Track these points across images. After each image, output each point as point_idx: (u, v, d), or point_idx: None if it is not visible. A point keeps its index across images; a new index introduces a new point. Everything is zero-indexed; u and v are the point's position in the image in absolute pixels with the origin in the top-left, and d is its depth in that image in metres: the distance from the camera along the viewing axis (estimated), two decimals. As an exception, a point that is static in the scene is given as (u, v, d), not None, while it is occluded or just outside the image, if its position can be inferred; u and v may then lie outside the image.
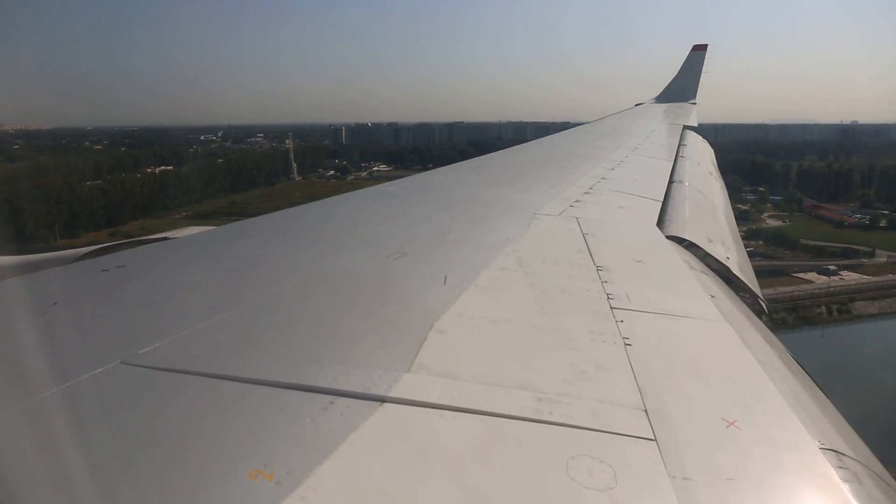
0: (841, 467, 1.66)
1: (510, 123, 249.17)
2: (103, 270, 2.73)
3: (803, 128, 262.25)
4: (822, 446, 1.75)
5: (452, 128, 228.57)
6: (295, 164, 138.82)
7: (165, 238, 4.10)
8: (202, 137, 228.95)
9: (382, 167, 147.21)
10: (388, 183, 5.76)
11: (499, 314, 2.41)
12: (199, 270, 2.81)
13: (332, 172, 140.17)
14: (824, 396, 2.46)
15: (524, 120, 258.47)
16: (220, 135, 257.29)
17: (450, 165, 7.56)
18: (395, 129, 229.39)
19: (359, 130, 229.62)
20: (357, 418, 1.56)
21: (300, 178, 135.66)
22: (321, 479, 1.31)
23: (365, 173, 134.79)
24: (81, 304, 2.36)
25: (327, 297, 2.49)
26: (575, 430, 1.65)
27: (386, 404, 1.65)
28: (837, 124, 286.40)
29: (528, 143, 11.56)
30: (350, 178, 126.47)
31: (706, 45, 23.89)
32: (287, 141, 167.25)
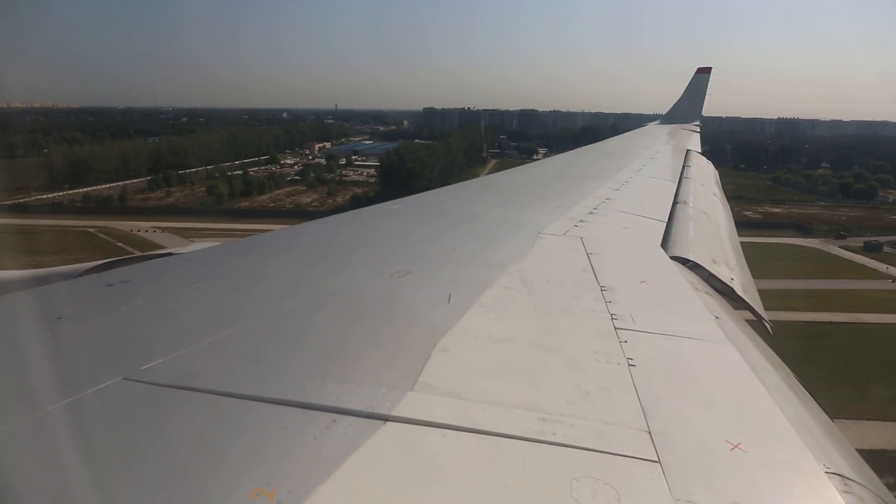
0: (847, 492, 1.66)
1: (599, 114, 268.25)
2: (108, 285, 2.74)
3: (813, 123, 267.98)
4: (828, 470, 1.75)
5: (575, 116, 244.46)
6: (485, 144, 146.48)
7: (170, 253, 4.11)
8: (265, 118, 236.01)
9: (542, 151, 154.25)
10: (392, 202, 5.78)
11: (502, 333, 2.42)
12: (204, 287, 2.81)
13: (513, 152, 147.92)
14: (829, 420, 2.45)
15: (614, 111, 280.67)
16: (284, 116, 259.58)
17: (456, 184, 7.70)
18: (500, 114, 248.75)
19: (464, 115, 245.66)
20: (360, 437, 1.56)
21: (489, 157, 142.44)
22: (323, 498, 1.30)
23: (543, 152, 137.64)
24: (85, 319, 2.35)
25: (331, 315, 2.49)
26: (578, 451, 1.64)
27: (389, 423, 1.65)
28: (865, 121, 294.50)
29: (534, 162, 11.60)
30: (536, 157, 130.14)
31: (710, 68, 23.99)
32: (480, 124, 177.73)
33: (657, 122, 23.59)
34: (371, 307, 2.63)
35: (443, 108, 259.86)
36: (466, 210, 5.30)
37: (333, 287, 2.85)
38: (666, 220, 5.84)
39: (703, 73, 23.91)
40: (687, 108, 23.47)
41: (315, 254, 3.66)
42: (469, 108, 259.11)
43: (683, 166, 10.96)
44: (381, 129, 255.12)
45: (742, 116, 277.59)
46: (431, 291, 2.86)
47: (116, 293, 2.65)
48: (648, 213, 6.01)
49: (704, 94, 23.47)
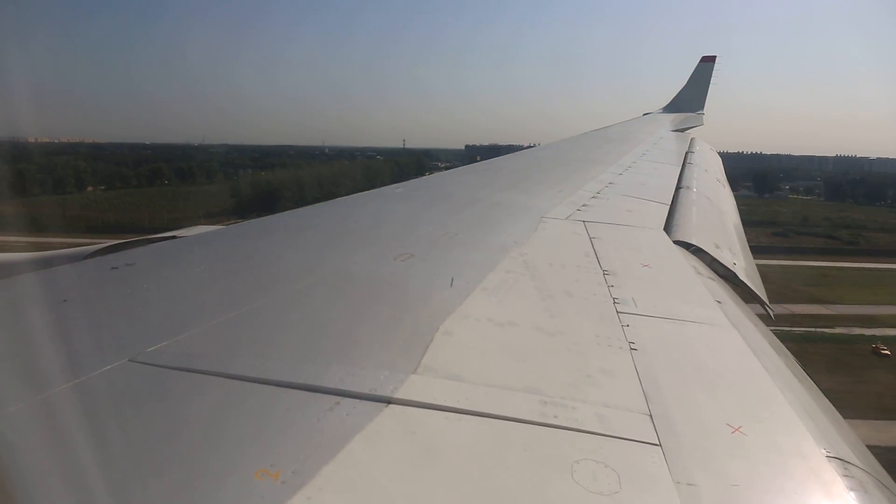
0: (847, 476, 1.65)
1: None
2: (113, 268, 2.74)
3: (870, 162, 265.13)
4: (828, 454, 1.74)
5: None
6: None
7: (174, 237, 4.12)
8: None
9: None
10: (396, 185, 5.82)
11: (505, 317, 2.42)
12: (208, 269, 2.83)
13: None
14: (830, 404, 2.45)
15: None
16: (326, 150, 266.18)
17: (460, 168, 7.58)
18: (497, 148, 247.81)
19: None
20: (363, 419, 1.56)
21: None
22: (326, 479, 1.31)
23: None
24: (91, 302, 2.37)
25: (334, 298, 2.50)
26: (580, 434, 1.64)
27: (392, 405, 1.65)
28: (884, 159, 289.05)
29: (537, 147, 11.57)
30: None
31: (714, 57, 23.99)
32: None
33: (660, 110, 23.37)
34: (374, 290, 2.64)
35: (509, 144, 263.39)
36: (470, 194, 5.32)
37: (337, 270, 2.87)
38: (669, 204, 5.81)
39: (708, 61, 23.90)
40: (691, 96, 23.41)
41: (319, 237, 3.67)
42: (533, 145, 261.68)
43: (687, 152, 10.93)
44: (440, 164, 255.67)
45: (794, 154, 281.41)
46: (434, 275, 2.87)
47: (121, 276, 2.67)
48: (651, 198, 6.01)
49: (708, 83, 23.47)
